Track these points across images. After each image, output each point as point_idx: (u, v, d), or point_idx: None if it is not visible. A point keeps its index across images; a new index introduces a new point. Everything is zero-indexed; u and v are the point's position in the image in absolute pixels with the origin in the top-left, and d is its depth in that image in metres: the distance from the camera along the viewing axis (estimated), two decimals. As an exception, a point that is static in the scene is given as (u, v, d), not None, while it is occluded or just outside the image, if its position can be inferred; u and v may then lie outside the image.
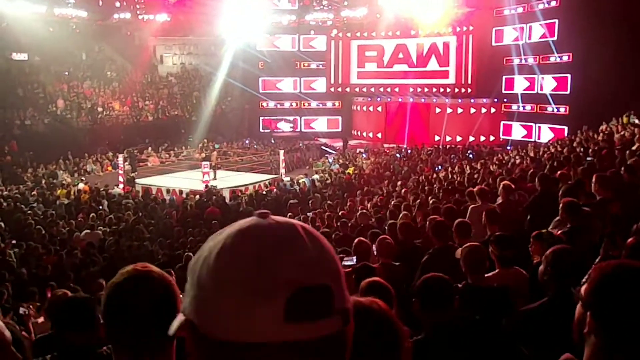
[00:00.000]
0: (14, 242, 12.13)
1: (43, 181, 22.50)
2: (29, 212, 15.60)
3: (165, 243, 12.53)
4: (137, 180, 23.75)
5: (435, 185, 12.93)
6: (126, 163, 24.43)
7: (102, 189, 19.93)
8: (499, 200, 7.02)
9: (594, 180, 5.21)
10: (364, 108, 35.39)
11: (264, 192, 20.05)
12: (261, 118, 35.99)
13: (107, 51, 33.74)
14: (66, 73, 31.34)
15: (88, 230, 13.65)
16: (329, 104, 36.20)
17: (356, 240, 5.26)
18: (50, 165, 24.70)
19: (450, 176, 15.29)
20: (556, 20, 26.99)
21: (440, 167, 22.25)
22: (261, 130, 35.74)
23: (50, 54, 29.22)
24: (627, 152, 8.11)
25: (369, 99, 35.01)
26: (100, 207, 17.41)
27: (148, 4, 28.59)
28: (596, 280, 1.38)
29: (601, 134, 15.43)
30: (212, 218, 14.99)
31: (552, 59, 27.53)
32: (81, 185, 21.18)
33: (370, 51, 34.90)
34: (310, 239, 0.85)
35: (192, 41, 37.36)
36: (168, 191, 20.76)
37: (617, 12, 22.39)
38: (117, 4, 28.80)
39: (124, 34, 33.68)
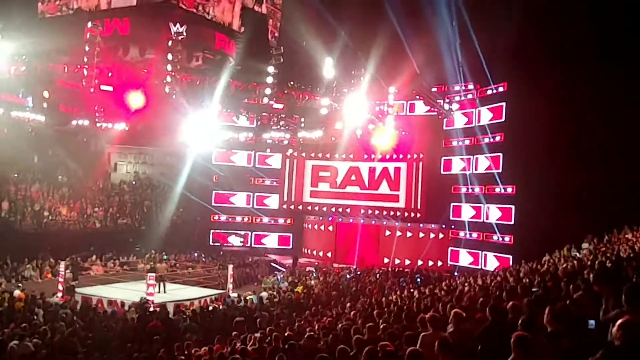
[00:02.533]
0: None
1: (-24, 286, 21.37)
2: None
3: (101, 359, 11.87)
4: (77, 290, 22.78)
5: (385, 309, 12.85)
6: (68, 271, 23.54)
7: (38, 297, 19.01)
8: (450, 328, 7.02)
9: (546, 312, 5.32)
10: (315, 227, 35.69)
11: (210, 308, 19.49)
12: (212, 231, 35.75)
13: (61, 156, 33.54)
14: (15, 175, 30.82)
15: (17, 342, 12.83)
16: (281, 221, 36.41)
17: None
18: (-14, 269, 23.59)
19: (399, 300, 15.27)
20: (500, 154, 28.54)
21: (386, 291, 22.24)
22: (211, 243, 35.39)
23: (2, 154, 28.84)
24: (571, 286, 8.31)
25: (321, 218, 35.42)
26: (35, 317, 16.50)
27: (107, 113, 28.86)
28: None
29: (545, 265, 15.88)
30: (154, 333, 14.37)
31: (497, 190, 28.76)
32: (17, 292, 20.14)
33: (324, 171, 35.84)
34: None
35: (148, 151, 37.66)
36: (110, 303, 19.94)
37: (555, 149, 23.91)
38: (77, 112, 28.95)
39: (80, 140, 33.73)
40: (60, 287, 22.27)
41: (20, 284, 22.74)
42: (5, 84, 24.52)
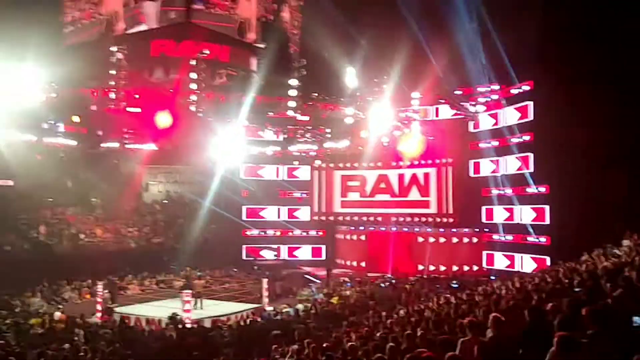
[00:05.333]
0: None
1: (17, 309, 21.82)
2: (0, 342, 14.97)
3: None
4: (116, 309, 23.10)
5: (422, 316, 12.73)
6: (105, 291, 23.88)
7: (78, 318, 19.33)
8: (489, 333, 6.92)
9: (584, 313, 5.21)
10: (348, 236, 35.61)
11: (247, 322, 19.56)
12: (245, 246, 35.93)
13: (93, 178, 34.15)
14: (50, 199, 31.48)
15: (61, 363, 13.06)
16: (313, 232, 36.43)
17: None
18: (27, 292, 24.04)
19: (437, 307, 15.11)
20: (531, 154, 28.12)
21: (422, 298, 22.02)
22: (245, 257, 35.55)
23: (37, 180, 29.49)
24: (609, 285, 8.09)
25: (352, 228, 35.33)
26: (76, 338, 16.78)
27: (136, 134, 29.39)
28: None
29: (585, 265, 15.55)
30: (192, 349, 14.48)
31: (529, 190, 28.32)
32: (57, 314, 20.54)
33: (353, 181, 35.80)
34: None
35: (178, 169, 38.13)
36: (147, 321, 20.17)
37: (586, 145, 23.42)
38: (106, 135, 29.54)
39: (111, 162, 34.34)
40: (99, 307, 22.61)
41: (60, 306, 23.20)
42: (37, 111, 25.15)
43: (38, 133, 27.14)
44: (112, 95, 24.91)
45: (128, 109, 25.42)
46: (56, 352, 14.46)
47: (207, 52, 26.11)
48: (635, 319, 4.71)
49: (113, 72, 24.73)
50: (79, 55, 28.24)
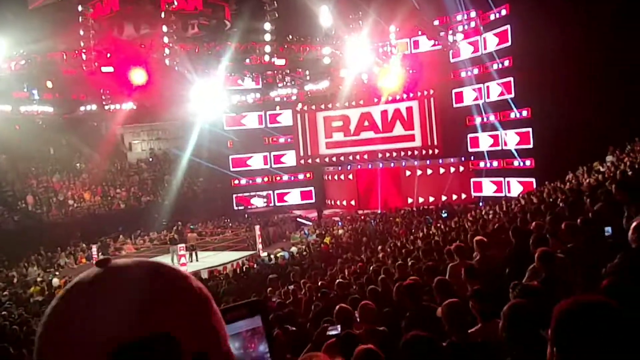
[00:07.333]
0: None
1: (15, 280, 21.95)
2: (2, 313, 15.12)
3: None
4: (112, 270, 23.26)
5: (411, 247, 12.97)
6: (100, 253, 24.03)
7: (76, 283, 19.50)
8: (476, 256, 7.09)
9: (563, 228, 5.33)
10: (335, 177, 35.75)
11: (244, 269, 19.86)
12: (234, 195, 36.05)
13: (75, 143, 33.84)
14: (33, 169, 31.24)
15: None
16: (301, 176, 36.53)
17: (337, 307, 5.22)
18: (22, 262, 24.16)
19: (426, 237, 15.37)
20: (511, 79, 28.05)
21: (413, 230, 22.38)
22: (235, 207, 35.73)
23: (18, 151, 29.19)
24: (588, 200, 8.23)
25: (339, 168, 35.47)
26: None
27: (113, 94, 28.93)
28: (556, 317, 1.44)
29: (568, 183, 15.79)
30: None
31: (512, 115, 28.38)
32: (56, 281, 20.70)
33: (336, 121, 35.67)
34: (154, 282, 0.79)
35: (160, 126, 37.81)
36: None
37: (566, 65, 23.33)
38: (83, 98, 29.09)
39: (91, 125, 33.94)
40: (95, 270, 22.76)
41: (57, 273, 23.36)
42: (8, 81, 24.61)
43: (13, 103, 26.68)
44: (83, 56, 24.30)
45: (102, 68, 24.87)
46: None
47: (176, 3, 25.43)
48: (607, 229, 4.82)
49: (81, 31, 24.05)
50: (44, 19, 27.43)
